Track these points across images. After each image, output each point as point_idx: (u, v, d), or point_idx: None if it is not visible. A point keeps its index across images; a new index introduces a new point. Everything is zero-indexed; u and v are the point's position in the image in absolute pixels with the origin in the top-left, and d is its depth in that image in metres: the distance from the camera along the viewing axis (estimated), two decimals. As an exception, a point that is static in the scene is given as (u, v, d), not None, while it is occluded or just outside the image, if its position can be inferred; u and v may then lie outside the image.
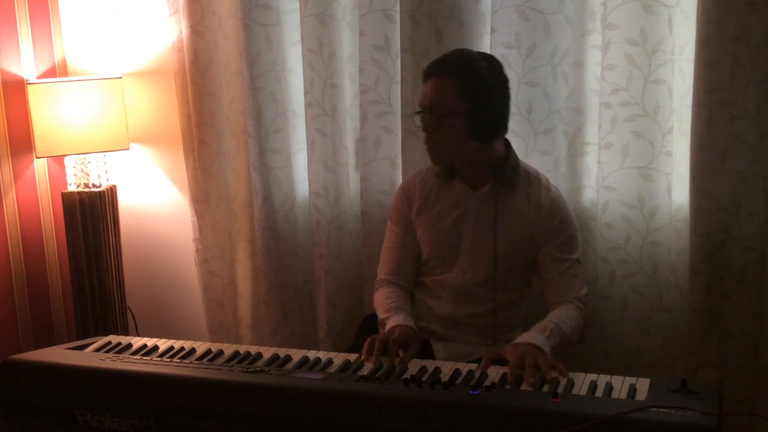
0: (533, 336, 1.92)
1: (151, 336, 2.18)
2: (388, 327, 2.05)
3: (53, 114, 2.75)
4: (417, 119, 2.12)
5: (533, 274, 2.23)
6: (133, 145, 2.98)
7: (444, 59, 2.10)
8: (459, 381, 1.76)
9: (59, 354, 2.01)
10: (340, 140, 2.61)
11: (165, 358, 1.96)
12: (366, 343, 1.94)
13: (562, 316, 2.04)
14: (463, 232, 2.17)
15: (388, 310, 2.13)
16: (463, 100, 2.03)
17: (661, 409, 1.51)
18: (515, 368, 1.78)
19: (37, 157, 2.88)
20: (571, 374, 1.76)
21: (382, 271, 2.28)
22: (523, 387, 1.71)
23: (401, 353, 1.94)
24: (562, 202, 2.18)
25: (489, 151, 2.12)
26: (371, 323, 2.26)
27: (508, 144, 2.17)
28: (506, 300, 2.17)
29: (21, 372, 1.93)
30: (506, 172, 2.12)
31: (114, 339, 2.13)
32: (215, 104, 2.73)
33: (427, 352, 2.10)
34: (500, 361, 1.85)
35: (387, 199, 2.52)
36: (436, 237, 2.20)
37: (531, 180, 2.17)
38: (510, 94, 2.13)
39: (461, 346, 2.13)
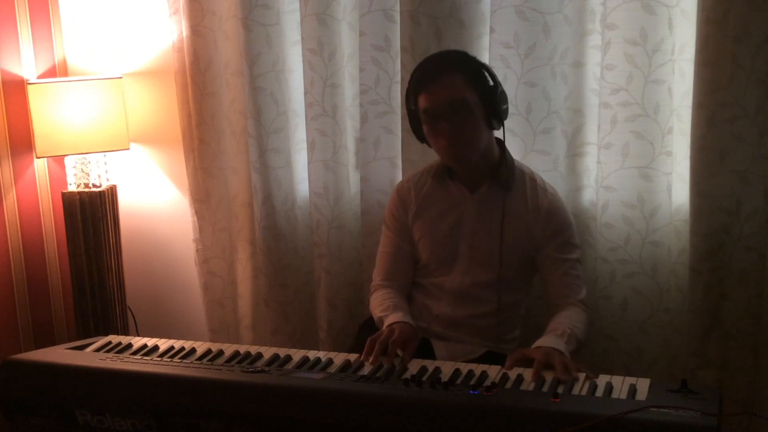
0: (554, 341, 1.90)
1: (151, 336, 2.18)
2: (386, 325, 2.04)
3: (53, 114, 2.75)
4: (429, 127, 2.06)
5: (534, 273, 2.23)
6: (133, 145, 2.98)
7: (440, 61, 2.08)
8: (459, 381, 1.75)
9: (59, 354, 2.01)
10: (340, 140, 2.61)
11: (165, 358, 1.96)
12: (367, 345, 1.94)
13: (574, 320, 2.03)
14: (460, 234, 2.16)
15: (386, 308, 2.12)
16: (476, 90, 2.03)
17: (661, 409, 1.50)
18: (541, 366, 1.77)
19: (38, 157, 2.88)
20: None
21: (377, 276, 2.27)
22: (524, 386, 1.71)
23: (401, 352, 1.93)
24: (560, 202, 2.18)
25: (493, 148, 2.13)
26: (370, 326, 2.25)
27: (502, 144, 2.16)
28: (509, 300, 2.17)
29: (21, 372, 1.93)
30: (503, 173, 2.11)
31: (114, 339, 2.13)
32: (215, 104, 2.73)
33: (427, 351, 2.10)
34: (524, 363, 1.83)
35: (387, 199, 2.51)
36: (434, 241, 2.19)
37: (526, 180, 2.16)
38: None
39: (462, 345, 2.13)
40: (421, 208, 2.21)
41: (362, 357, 1.91)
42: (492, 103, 2.04)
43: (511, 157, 2.17)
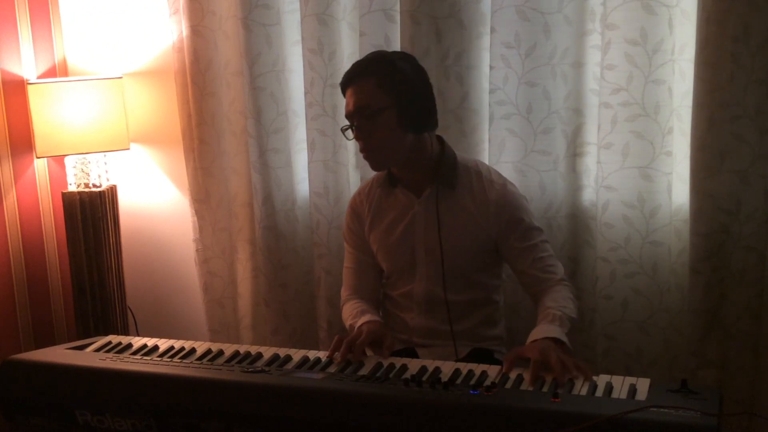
0: (547, 329, 1.86)
1: (151, 336, 2.18)
2: (356, 328, 2.04)
3: (53, 114, 2.75)
4: (348, 133, 2.06)
5: (500, 266, 2.20)
6: (133, 145, 2.98)
7: (357, 65, 2.05)
8: (459, 381, 1.75)
9: (59, 354, 2.01)
10: (341, 140, 2.61)
11: (165, 358, 1.96)
12: (333, 342, 1.93)
13: (560, 301, 1.97)
14: (415, 240, 2.13)
15: (355, 315, 2.12)
16: (387, 95, 1.98)
17: (661, 409, 1.50)
18: (538, 366, 1.73)
19: (38, 157, 2.88)
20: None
21: (344, 291, 2.27)
22: (524, 386, 1.71)
23: (369, 352, 1.93)
24: (509, 192, 2.10)
25: (425, 149, 2.06)
26: None
27: (442, 141, 2.12)
28: (479, 297, 2.15)
29: (21, 372, 1.93)
30: (444, 171, 2.08)
31: (114, 339, 2.13)
32: (215, 104, 2.73)
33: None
34: (521, 363, 1.80)
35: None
36: (390, 250, 2.17)
37: (471, 175, 2.10)
38: (431, 84, 2.06)
39: (445, 348, 2.11)
40: (374, 219, 2.19)
41: (329, 354, 1.91)
42: (410, 105, 1.99)
43: (452, 153, 2.10)
